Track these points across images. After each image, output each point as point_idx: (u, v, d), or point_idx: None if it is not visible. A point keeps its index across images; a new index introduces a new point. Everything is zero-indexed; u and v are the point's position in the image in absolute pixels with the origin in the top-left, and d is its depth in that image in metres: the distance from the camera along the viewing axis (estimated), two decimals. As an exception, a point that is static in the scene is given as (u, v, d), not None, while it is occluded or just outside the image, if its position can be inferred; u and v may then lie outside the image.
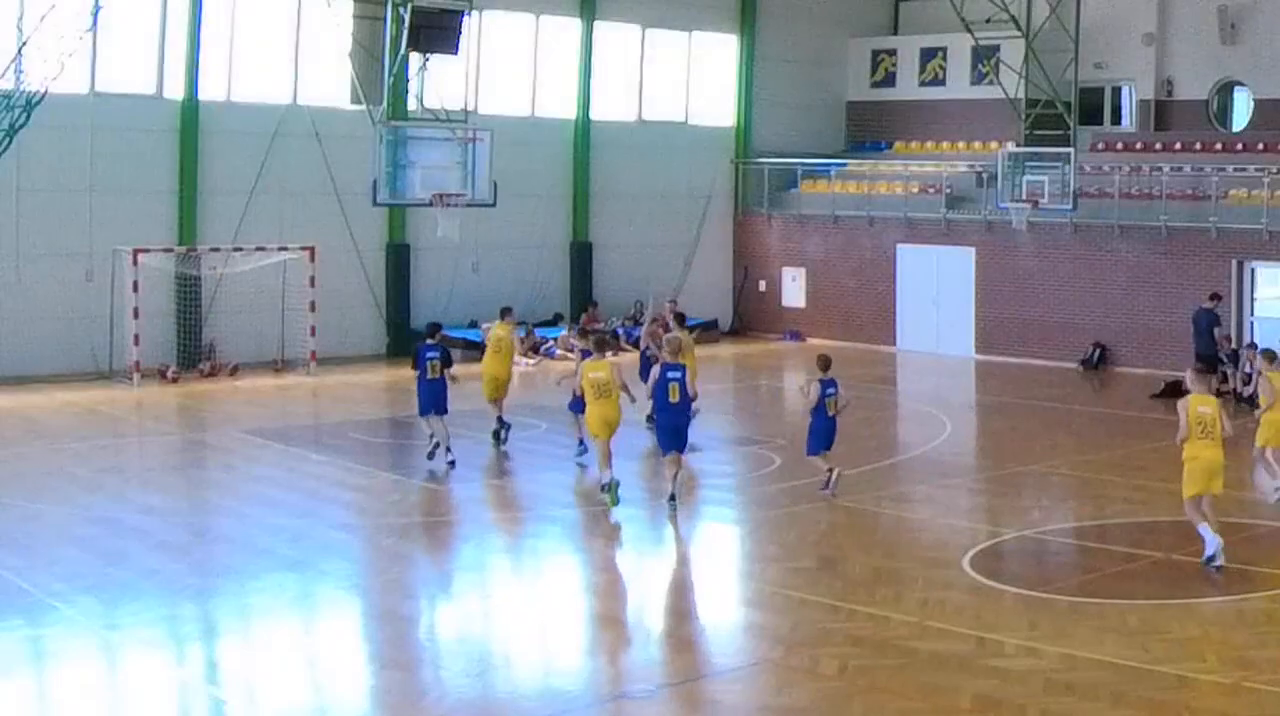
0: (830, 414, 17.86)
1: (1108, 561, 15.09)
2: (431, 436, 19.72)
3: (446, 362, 19.64)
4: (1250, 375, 25.89)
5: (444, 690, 11.42)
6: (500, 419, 21.16)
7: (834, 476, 17.81)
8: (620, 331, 33.59)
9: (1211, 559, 14.34)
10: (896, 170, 35.90)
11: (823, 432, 17.90)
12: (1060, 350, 31.55)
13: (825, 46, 38.52)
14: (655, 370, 17.70)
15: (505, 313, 21.95)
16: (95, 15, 23.62)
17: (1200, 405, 14.88)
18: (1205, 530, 14.49)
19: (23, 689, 11.27)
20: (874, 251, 35.00)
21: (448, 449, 19.45)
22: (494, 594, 14.58)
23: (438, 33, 25.94)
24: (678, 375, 17.18)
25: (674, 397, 17.09)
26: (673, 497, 17.10)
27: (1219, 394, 25.57)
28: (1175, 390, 26.26)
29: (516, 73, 33.54)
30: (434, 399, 19.61)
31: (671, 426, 17.17)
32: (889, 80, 38.49)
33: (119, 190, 28.07)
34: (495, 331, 21.55)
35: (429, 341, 19.96)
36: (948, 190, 33.99)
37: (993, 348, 32.65)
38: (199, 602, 13.57)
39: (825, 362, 18.10)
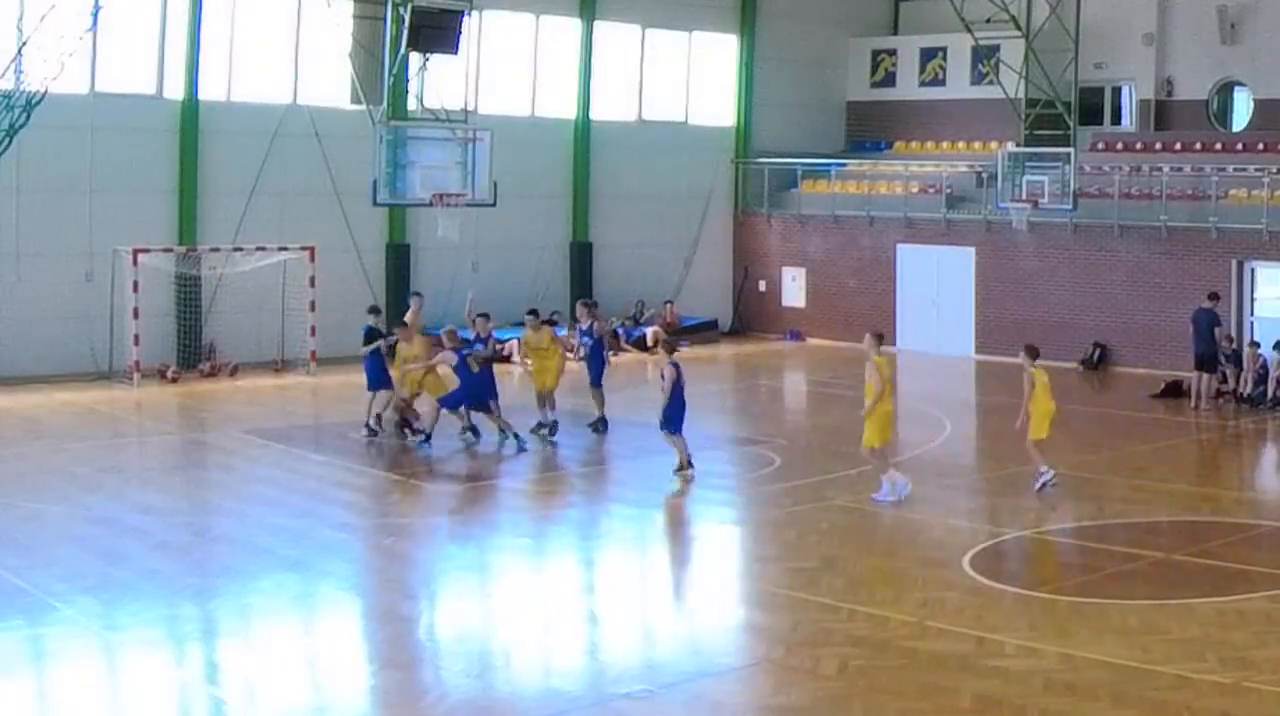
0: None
1: (1108, 561, 15.08)
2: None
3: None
4: (1258, 374, 25.95)
5: (444, 690, 11.42)
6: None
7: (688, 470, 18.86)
8: (620, 331, 33.61)
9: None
10: (896, 170, 35.89)
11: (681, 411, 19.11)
12: (1060, 350, 31.46)
13: (825, 46, 38.52)
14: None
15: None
16: (95, 15, 23.61)
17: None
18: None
19: (23, 689, 11.27)
20: (874, 251, 35.00)
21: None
22: (494, 594, 14.57)
23: (438, 33, 25.94)
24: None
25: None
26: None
27: (1219, 394, 25.80)
28: (1175, 390, 26.39)
29: (516, 73, 33.53)
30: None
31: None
32: (889, 80, 38.48)
33: (119, 190, 28.07)
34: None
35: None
36: (948, 190, 33.99)
37: (993, 348, 32.61)
38: (199, 602, 13.56)
39: (671, 347, 19.69)
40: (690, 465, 18.91)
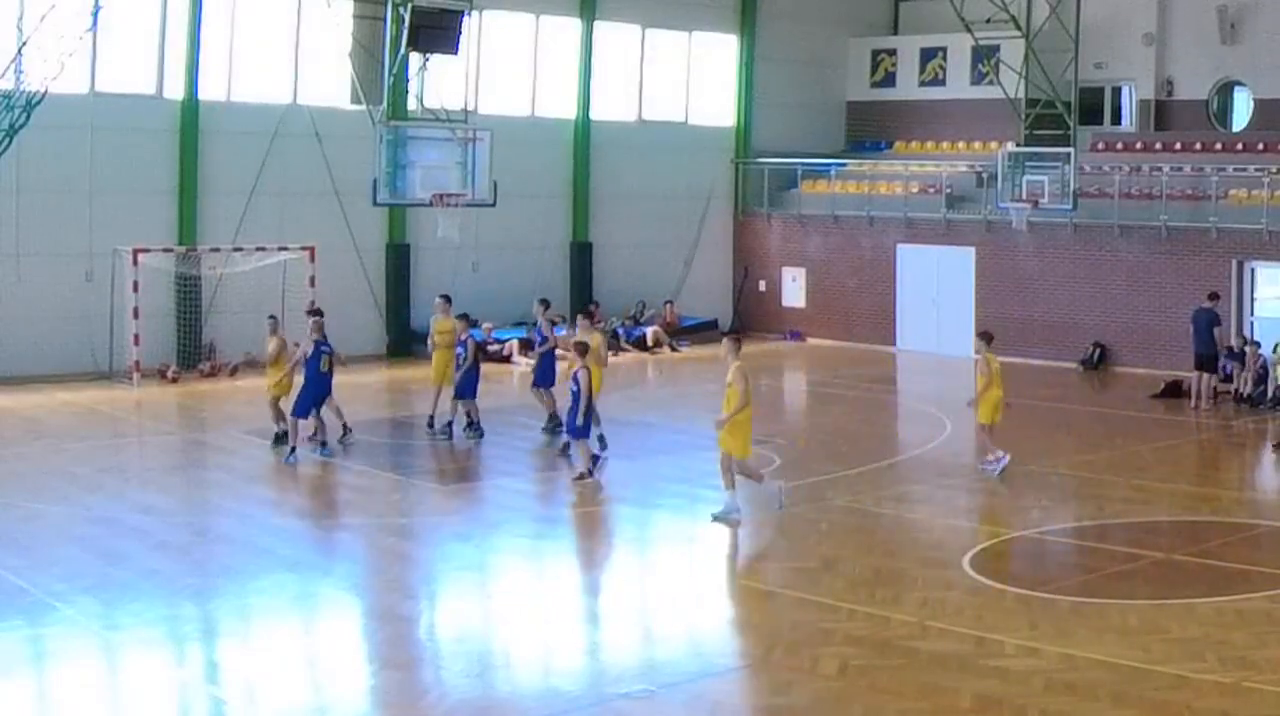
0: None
1: (1108, 561, 15.09)
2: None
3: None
4: (1258, 374, 25.96)
5: (444, 690, 11.43)
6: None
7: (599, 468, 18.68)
8: (620, 331, 33.61)
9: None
10: (896, 170, 35.89)
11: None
12: (1060, 350, 31.54)
13: (825, 46, 38.51)
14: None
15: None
16: (95, 15, 23.61)
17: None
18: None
19: (23, 689, 11.27)
20: (874, 251, 35.00)
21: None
22: (494, 594, 14.57)
23: (438, 33, 25.92)
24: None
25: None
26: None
27: (1218, 394, 25.80)
28: (1175, 390, 26.38)
29: (516, 73, 33.52)
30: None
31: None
32: (889, 80, 38.47)
33: (119, 190, 28.06)
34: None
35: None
36: (948, 190, 33.98)
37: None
38: (199, 602, 13.56)
39: (583, 350, 19.12)
40: (591, 475, 18.48)
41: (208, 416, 24.67)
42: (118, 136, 27.92)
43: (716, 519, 16.62)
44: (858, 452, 20.86)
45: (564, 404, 19.49)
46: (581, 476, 18.54)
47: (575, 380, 18.55)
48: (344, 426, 21.05)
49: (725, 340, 17.74)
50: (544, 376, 22.15)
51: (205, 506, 18.15)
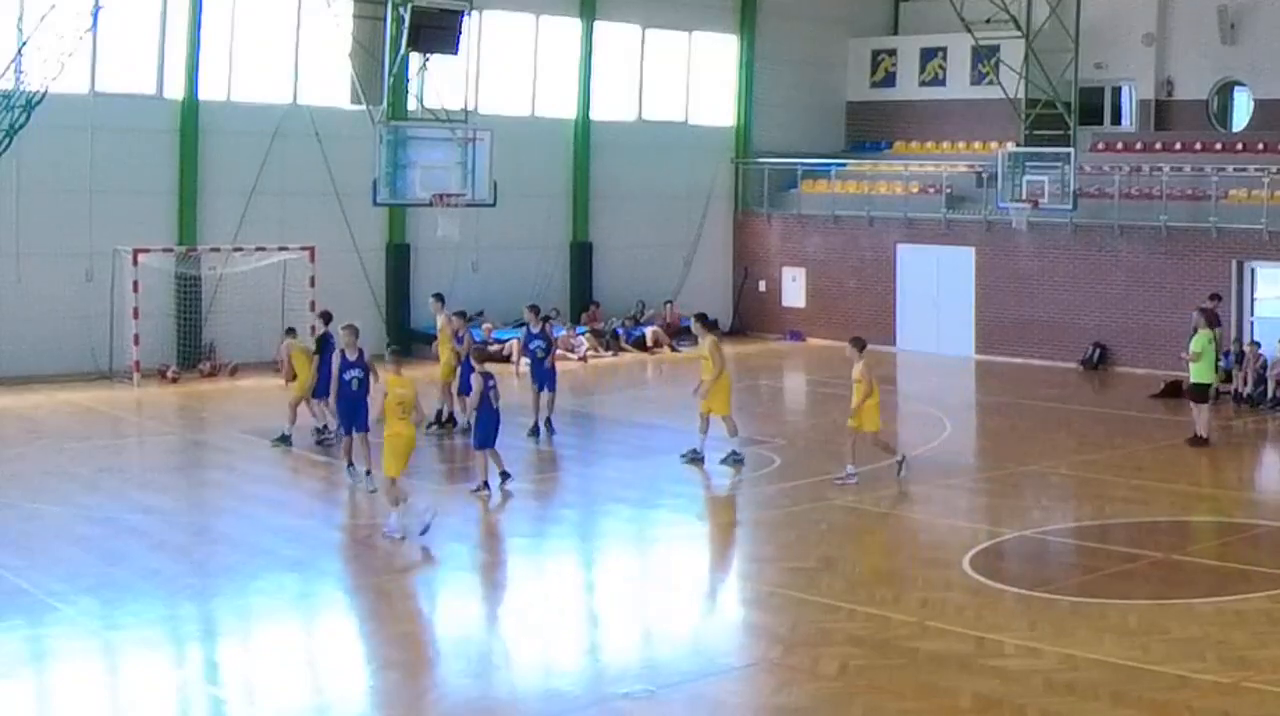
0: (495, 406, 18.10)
1: (1108, 561, 15.09)
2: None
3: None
4: (1258, 373, 25.96)
5: (444, 690, 11.43)
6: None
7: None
8: (620, 331, 33.61)
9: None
10: (896, 170, 35.89)
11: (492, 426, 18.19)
12: (1060, 350, 31.54)
13: (825, 46, 38.51)
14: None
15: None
16: (95, 15, 23.62)
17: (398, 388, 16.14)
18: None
19: (23, 689, 11.27)
20: (874, 251, 34.99)
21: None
22: (494, 594, 14.58)
23: (438, 33, 25.93)
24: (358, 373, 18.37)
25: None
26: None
27: (1218, 394, 25.79)
28: (1175, 390, 26.37)
29: (516, 73, 33.52)
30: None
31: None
32: (889, 80, 38.47)
33: (119, 190, 28.05)
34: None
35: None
36: (948, 190, 33.98)
37: (993, 347, 32.65)
38: (199, 602, 13.57)
39: (482, 356, 19.24)
40: (487, 487, 18.01)
41: (208, 416, 24.67)
42: (118, 136, 27.92)
43: (724, 462, 19.48)
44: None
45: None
46: (479, 489, 18.00)
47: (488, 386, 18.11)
48: (326, 426, 21.01)
49: (694, 320, 20.71)
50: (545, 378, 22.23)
51: (205, 506, 18.16)
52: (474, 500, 17.88)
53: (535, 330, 22.50)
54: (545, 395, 22.16)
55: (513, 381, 25.70)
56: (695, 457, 19.81)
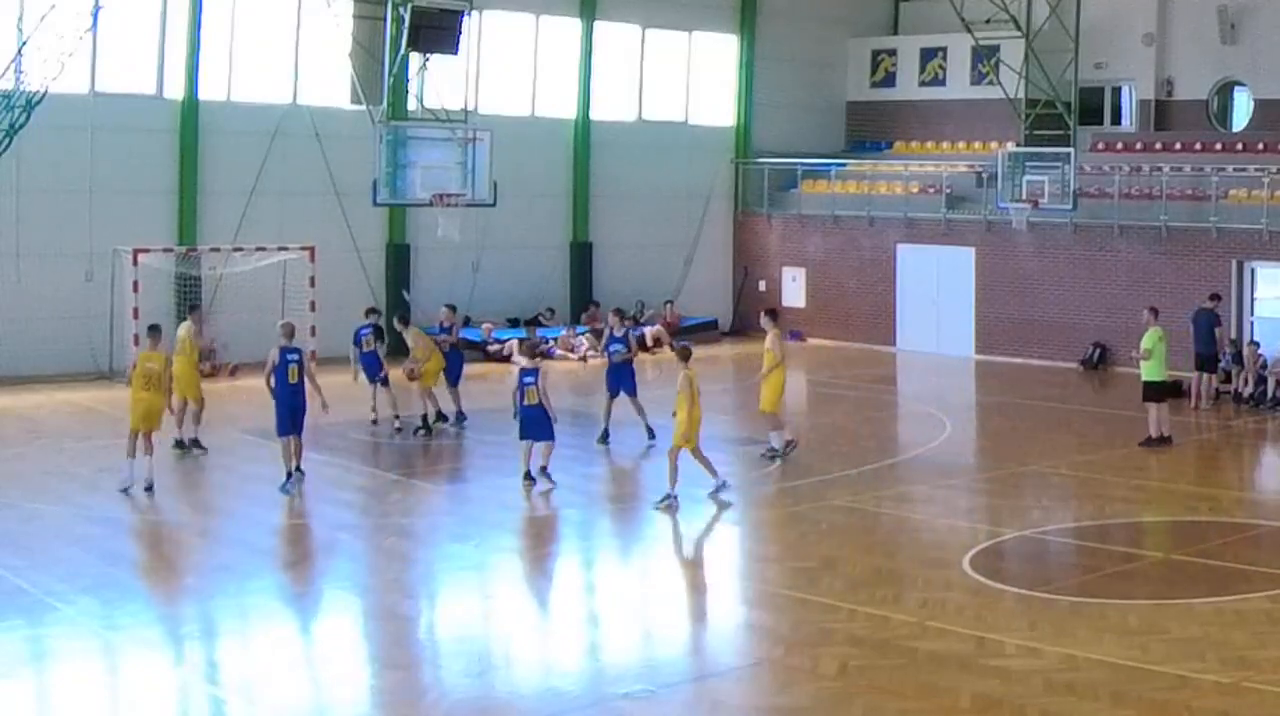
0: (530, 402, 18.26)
1: (1108, 561, 15.09)
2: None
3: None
4: (1258, 374, 25.96)
5: (444, 690, 11.43)
6: None
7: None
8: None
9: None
10: (896, 170, 35.89)
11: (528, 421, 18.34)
12: (1060, 350, 31.55)
13: (825, 46, 38.52)
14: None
15: (193, 310, 22.78)
16: (95, 15, 23.62)
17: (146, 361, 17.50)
18: None
19: (23, 689, 11.27)
20: (874, 251, 35.00)
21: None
22: (494, 594, 14.58)
23: (438, 33, 25.95)
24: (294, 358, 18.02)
25: (292, 379, 17.91)
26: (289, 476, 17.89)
27: (1218, 394, 25.80)
28: (1175, 390, 26.33)
29: (516, 73, 33.53)
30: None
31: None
32: (889, 80, 38.48)
33: (119, 190, 28.06)
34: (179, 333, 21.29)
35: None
36: (948, 190, 33.98)
37: (993, 348, 32.65)
38: (199, 602, 13.57)
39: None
40: (532, 479, 18.40)
41: (208, 416, 24.59)
42: (118, 136, 27.93)
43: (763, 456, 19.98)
44: (858, 452, 20.86)
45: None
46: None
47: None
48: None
49: (763, 314, 20.67)
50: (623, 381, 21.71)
51: (205, 506, 18.15)
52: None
53: (618, 333, 21.90)
54: (628, 400, 21.52)
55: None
56: (774, 454, 20.11)
